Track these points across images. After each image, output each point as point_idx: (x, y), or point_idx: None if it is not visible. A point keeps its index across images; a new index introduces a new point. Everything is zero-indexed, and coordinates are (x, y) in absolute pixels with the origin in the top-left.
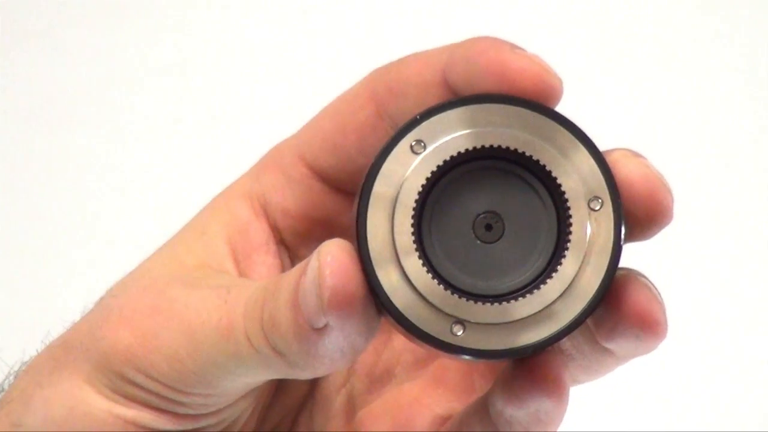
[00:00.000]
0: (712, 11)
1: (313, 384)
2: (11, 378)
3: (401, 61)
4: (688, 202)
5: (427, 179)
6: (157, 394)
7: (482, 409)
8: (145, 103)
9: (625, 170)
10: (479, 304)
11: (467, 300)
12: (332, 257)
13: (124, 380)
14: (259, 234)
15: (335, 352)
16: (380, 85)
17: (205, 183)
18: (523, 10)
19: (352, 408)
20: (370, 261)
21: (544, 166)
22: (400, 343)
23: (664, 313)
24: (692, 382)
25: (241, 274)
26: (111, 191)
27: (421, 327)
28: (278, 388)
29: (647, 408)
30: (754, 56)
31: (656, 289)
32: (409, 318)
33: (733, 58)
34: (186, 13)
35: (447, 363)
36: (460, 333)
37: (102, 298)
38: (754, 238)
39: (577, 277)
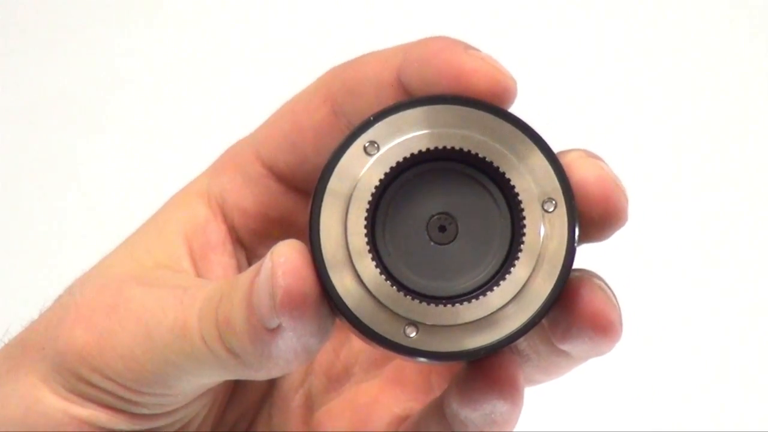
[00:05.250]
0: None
1: (271, 384)
2: None
3: (357, 61)
4: (644, 204)
5: (381, 180)
6: (113, 394)
7: (439, 409)
8: (125, 105)
9: (579, 171)
10: (432, 306)
11: (420, 302)
12: (285, 258)
13: (80, 380)
14: (217, 234)
15: (289, 353)
16: (336, 85)
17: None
18: (486, 10)
19: (310, 407)
20: (323, 262)
21: (498, 167)
22: (358, 342)
23: (618, 314)
24: (645, 384)
25: (199, 273)
26: (69, 191)
27: (374, 328)
28: (236, 387)
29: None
30: (714, 54)
31: (611, 290)
32: (362, 319)
33: (694, 56)
34: (180, 15)
35: (405, 363)
36: (413, 335)
37: (60, 297)
38: (711, 238)
39: (529, 279)
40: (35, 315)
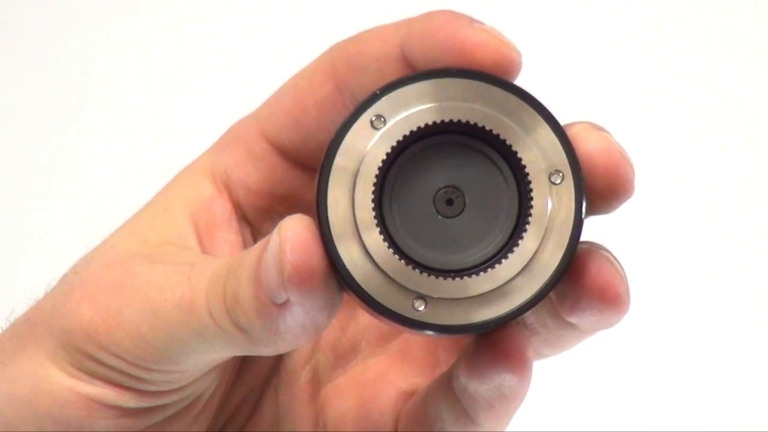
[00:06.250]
0: None
1: (278, 360)
2: None
3: (360, 36)
4: (651, 176)
5: (388, 154)
6: (120, 371)
7: (446, 384)
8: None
9: (585, 143)
10: (440, 279)
11: (428, 275)
12: (293, 233)
13: (87, 357)
14: (222, 211)
15: (297, 328)
16: (339, 60)
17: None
18: None
19: (317, 384)
20: (331, 236)
21: (505, 140)
22: (365, 318)
23: (626, 286)
24: (657, 366)
25: (204, 250)
26: (74, 171)
27: (382, 302)
28: (243, 364)
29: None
30: (717, 36)
31: (618, 262)
32: (370, 293)
33: (699, 37)
34: (177, 14)
35: (412, 338)
36: (421, 308)
37: (65, 275)
38: (718, 211)
39: (537, 251)
40: (41, 294)
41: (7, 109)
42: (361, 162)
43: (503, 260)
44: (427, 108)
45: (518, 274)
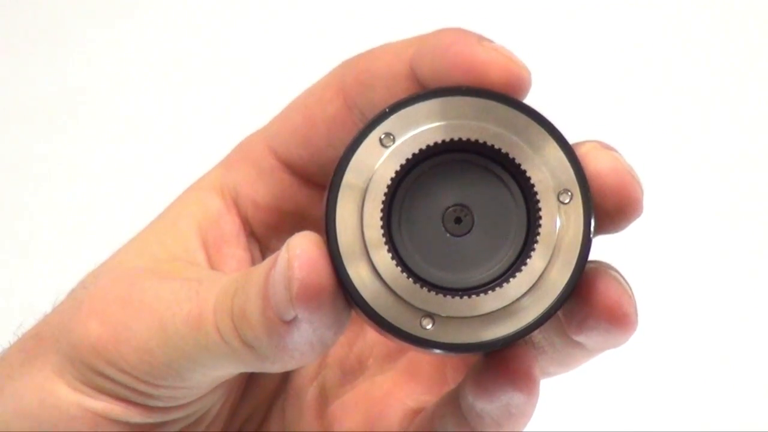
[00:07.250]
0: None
1: (285, 377)
2: None
3: (369, 53)
4: (660, 195)
5: (396, 172)
6: (127, 387)
7: (454, 402)
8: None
9: (594, 163)
10: (448, 297)
11: (436, 294)
12: (301, 250)
13: (95, 372)
14: (230, 227)
15: (304, 345)
16: (349, 77)
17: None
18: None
19: (324, 401)
20: (339, 254)
21: (514, 159)
22: (372, 335)
23: (634, 306)
24: (662, 378)
25: (212, 266)
26: (82, 184)
27: (390, 320)
28: (250, 381)
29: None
30: (724, 48)
31: (626, 282)
32: (378, 311)
33: (703, 51)
34: (177, 14)
35: (419, 356)
36: (429, 327)
37: (73, 290)
38: (726, 230)
39: (546, 271)
40: (48, 309)
41: (14, 114)
42: (370, 180)
43: (511, 279)
44: (436, 126)
45: (526, 293)
